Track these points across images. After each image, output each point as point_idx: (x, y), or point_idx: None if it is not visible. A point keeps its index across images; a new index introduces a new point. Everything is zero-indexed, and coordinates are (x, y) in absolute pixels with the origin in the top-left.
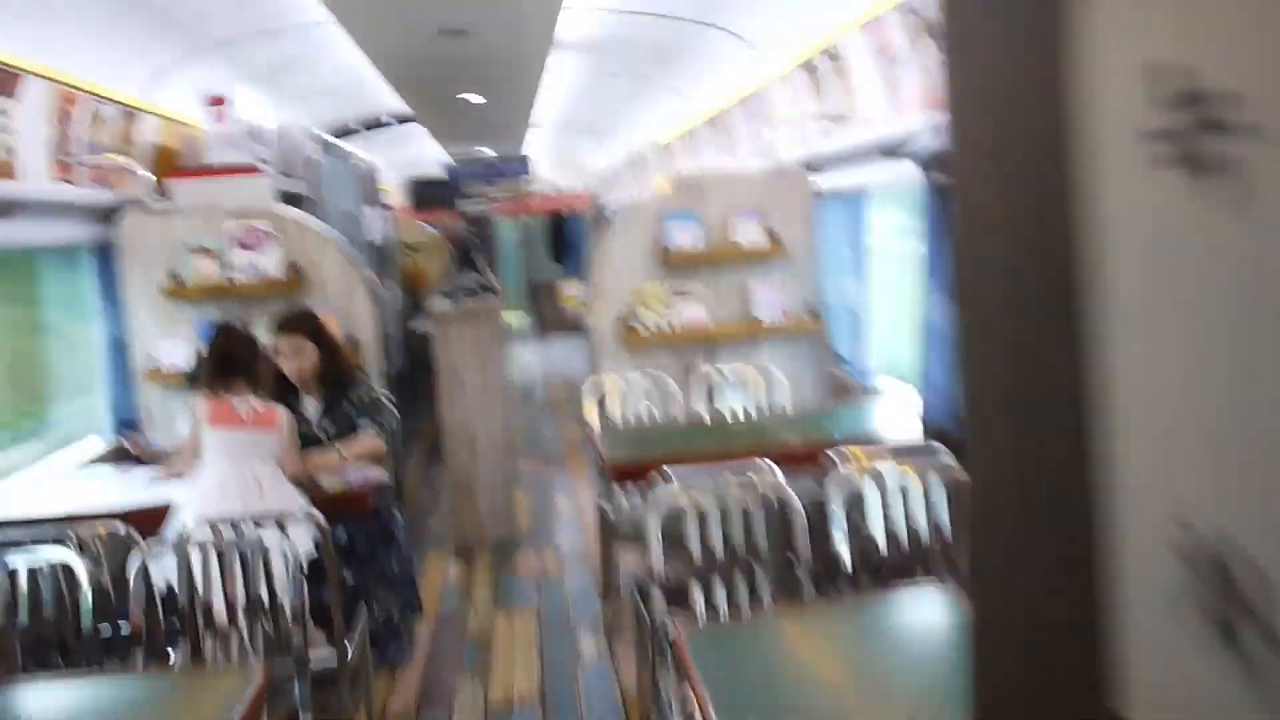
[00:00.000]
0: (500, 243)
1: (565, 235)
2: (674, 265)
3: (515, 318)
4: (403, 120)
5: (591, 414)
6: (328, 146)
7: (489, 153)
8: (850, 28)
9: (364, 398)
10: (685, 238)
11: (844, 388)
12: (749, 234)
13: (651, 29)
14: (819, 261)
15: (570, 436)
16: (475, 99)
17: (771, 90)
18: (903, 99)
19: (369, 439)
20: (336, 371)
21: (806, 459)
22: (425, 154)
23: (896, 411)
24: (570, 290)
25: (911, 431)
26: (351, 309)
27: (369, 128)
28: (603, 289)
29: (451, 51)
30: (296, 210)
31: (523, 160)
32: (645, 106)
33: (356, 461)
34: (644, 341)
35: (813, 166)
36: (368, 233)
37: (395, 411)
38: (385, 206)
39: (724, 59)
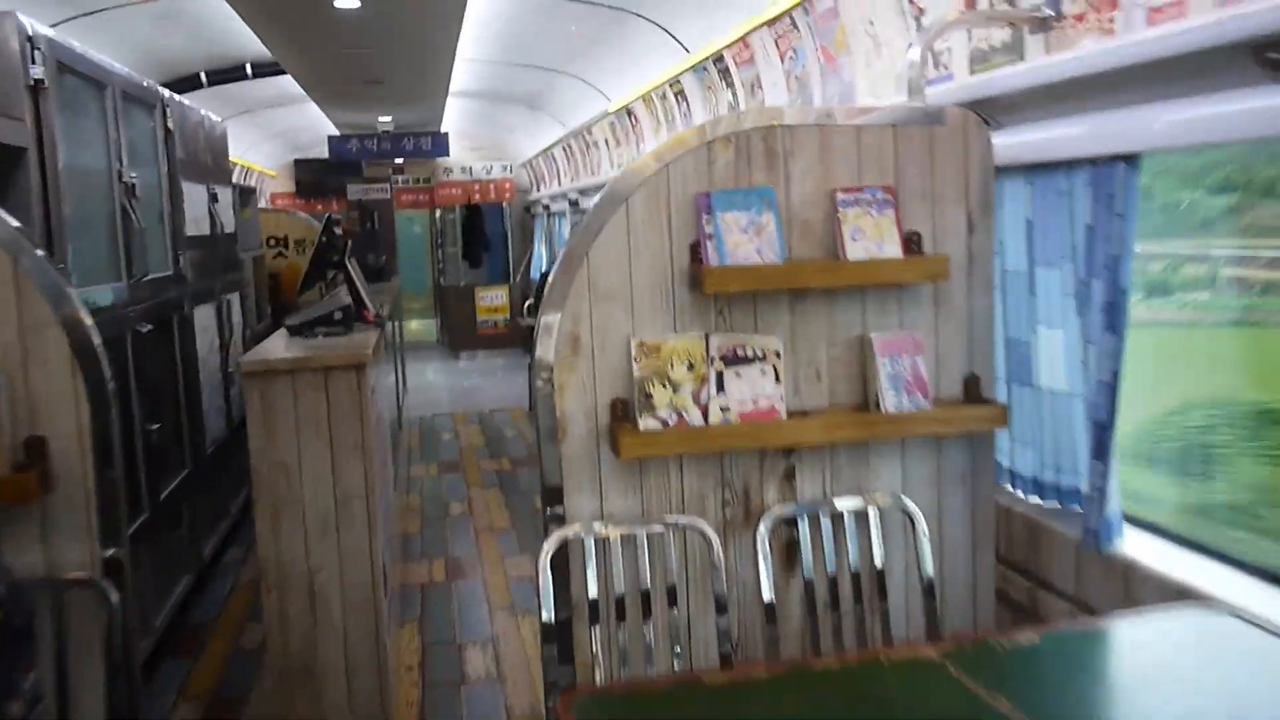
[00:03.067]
0: (402, 238)
1: (484, 231)
2: (720, 297)
3: (420, 328)
4: (270, 73)
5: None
6: (79, 64)
7: (390, 125)
8: None
9: None
10: (744, 244)
11: (1048, 549)
12: (869, 236)
13: None
14: (1001, 292)
15: (492, 521)
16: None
17: None
18: None
19: None
20: None
21: None
22: (321, 127)
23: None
24: (489, 297)
25: None
26: (28, 377)
27: (222, 78)
28: (572, 339)
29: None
30: None
31: (439, 138)
32: (607, 54)
33: None
34: (655, 446)
35: (996, 107)
36: (195, 221)
37: None
38: (243, 188)
39: None
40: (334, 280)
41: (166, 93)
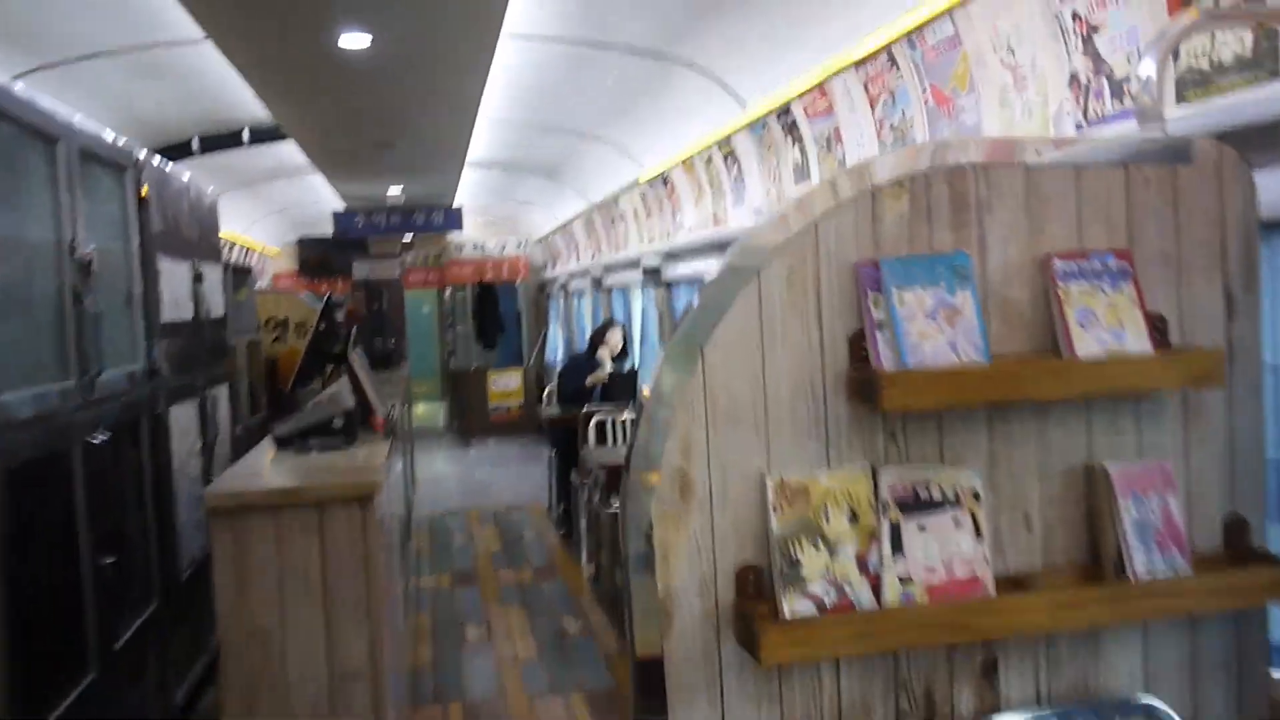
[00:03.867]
0: (410, 318)
1: (497, 311)
2: (892, 414)
3: (427, 413)
4: (270, 138)
5: None
6: (19, 111)
7: (399, 197)
8: None
9: None
10: (932, 335)
11: None
12: (1102, 323)
13: None
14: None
15: (516, 650)
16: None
17: None
18: None
19: None
20: None
21: None
22: (326, 202)
23: None
24: (502, 381)
25: None
26: None
27: (216, 144)
28: (680, 480)
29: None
30: None
31: (451, 212)
32: (644, 111)
33: None
34: (812, 644)
35: (1248, 143)
36: (175, 304)
37: None
38: (238, 267)
39: None
40: (332, 374)
41: (142, 153)
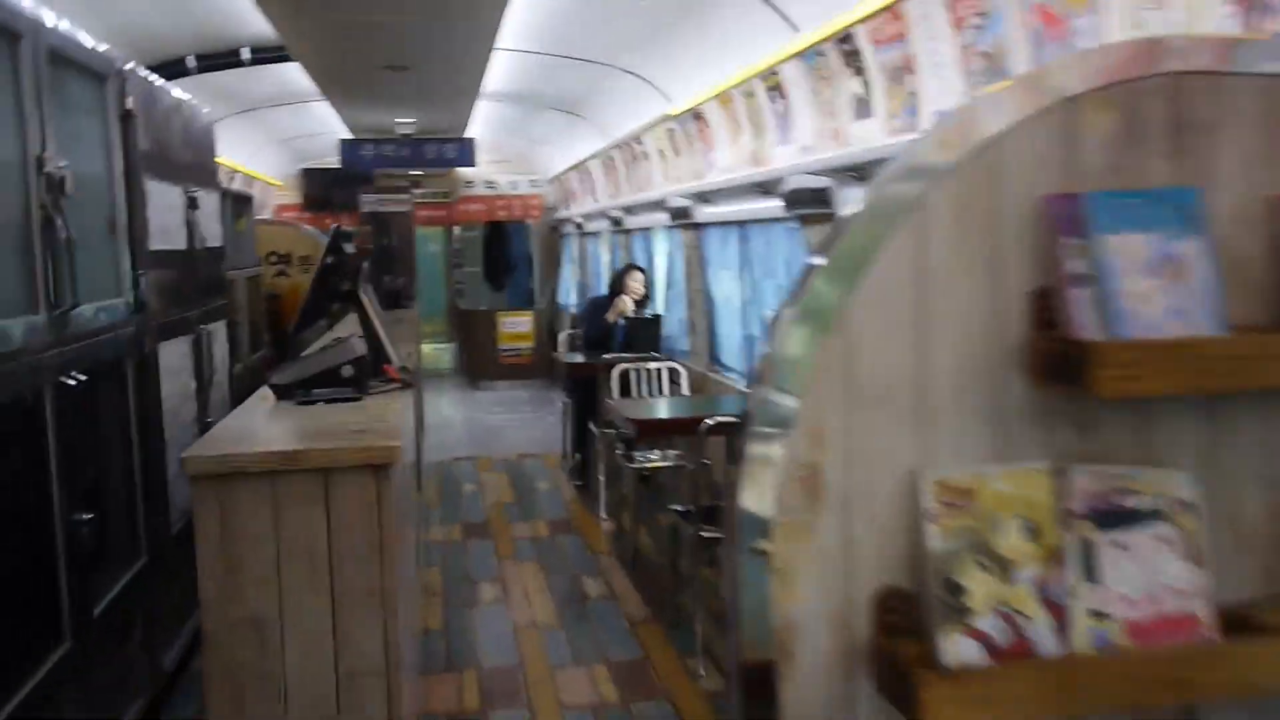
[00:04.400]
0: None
1: (508, 252)
2: (1118, 396)
3: (434, 354)
4: (273, 58)
5: None
6: None
7: (410, 127)
8: None
9: None
10: (1154, 295)
11: None
12: None
13: None
14: None
15: (534, 614)
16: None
17: None
18: None
19: None
20: None
21: None
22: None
23: None
24: (512, 323)
25: None
26: None
27: (214, 64)
28: (808, 477)
29: None
30: None
31: (464, 145)
32: (680, 40)
33: None
34: (983, 707)
35: None
36: (164, 233)
37: None
38: (237, 194)
39: None
40: (340, 315)
41: (127, 63)
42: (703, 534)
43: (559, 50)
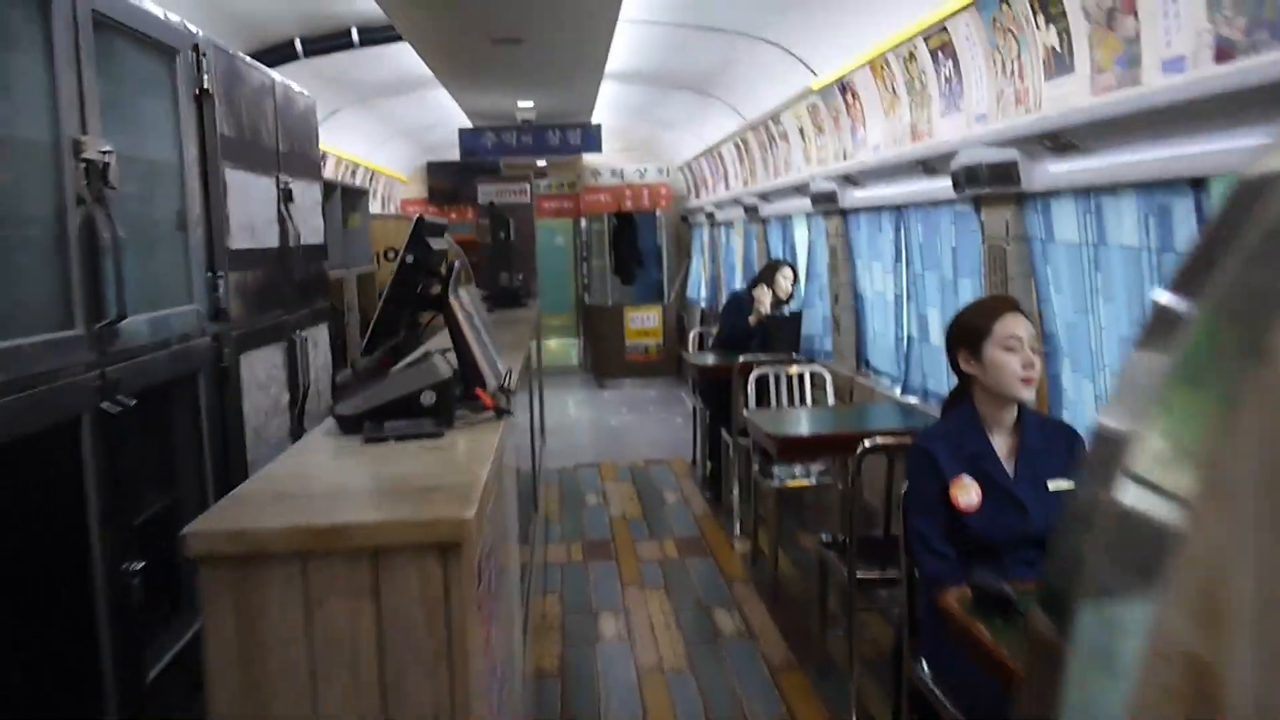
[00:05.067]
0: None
1: (636, 244)
2: None
3: (560, 349)
4: (383, 38)
5: None
6: None
7: (531, 113)
8: None
9: None
10: None
11: None
12: None
13: None
14: None
15: (662, 656)
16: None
17: None
18: None
19: None
20: None
21: None
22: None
23: None
24: (640, 319)
25: None
26: None
27: (322, 47)
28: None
29: None
30: None
31: (589, 131)
32: (817, 10)
33: None
34: None
35: None
36: (250, 229)
37: None
38: (346, 187)
39: None
40: (427, 326)
41: (199, 33)
42: (858, 575)
43: (688, 20)
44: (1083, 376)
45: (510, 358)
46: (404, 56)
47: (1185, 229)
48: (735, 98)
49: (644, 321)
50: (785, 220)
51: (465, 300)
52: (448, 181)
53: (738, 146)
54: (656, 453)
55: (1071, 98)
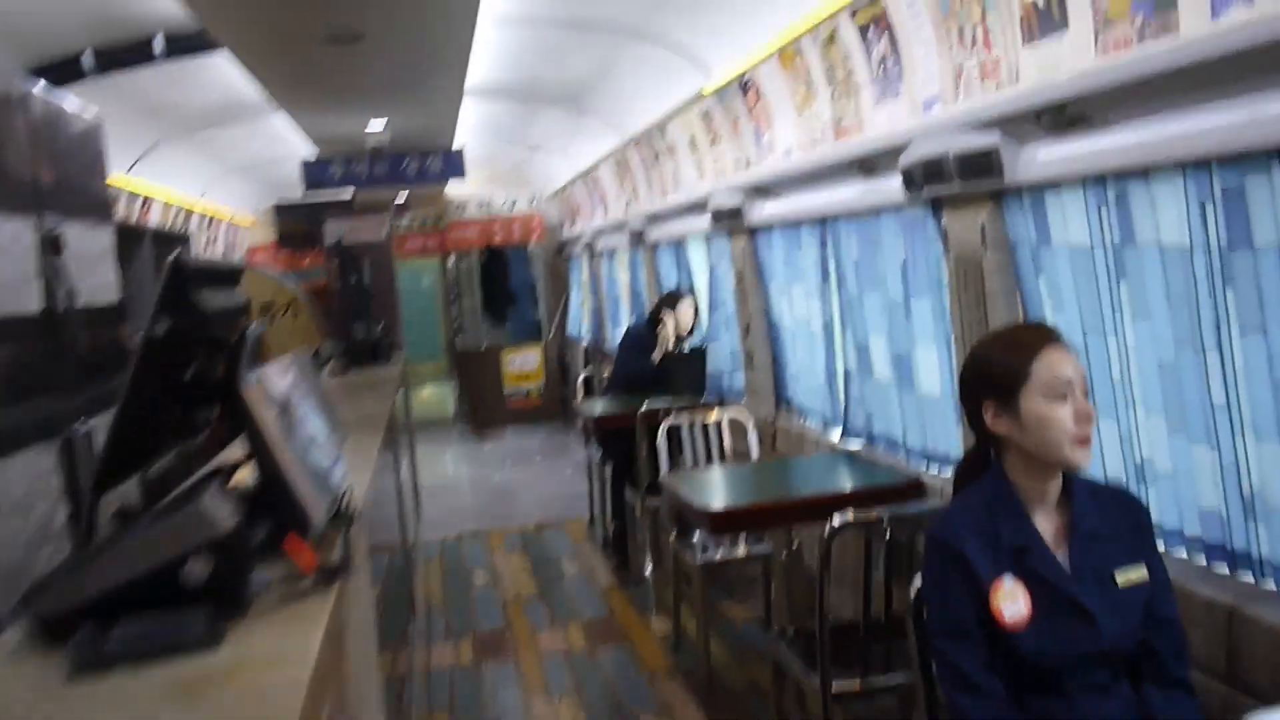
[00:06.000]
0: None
1: (508, 280)
2: None
3: (433, 399)
4: (193, 47)
5: None
6: None
7: (383, 137)
8: None
9: None
10: None
11: None
12: None
13: None
14: None
15: None
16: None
17: None
18: None
19: None
20: None
21: None
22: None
23: None
24: (518, 361)
25: None
26: None
27: (118, 60)
28: None
29: None
30: None
31: (451, 157)
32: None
33: None
34: None
35: None
36: None
37: None
38: (159, 234)
39: None
40: (211, 435)
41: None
42: (834, 686)
43: (558, 14)
44: (1101, 415)
45: (362, 444)
46: (231, 74)
47: (1268, 216)
48: (613, 110)
49: (523, 363)
50: (678, 244)
51: (277, 381)
52: (300, 223)
53: (617, 166)
54: (549, 512)
55: (1066, 62)
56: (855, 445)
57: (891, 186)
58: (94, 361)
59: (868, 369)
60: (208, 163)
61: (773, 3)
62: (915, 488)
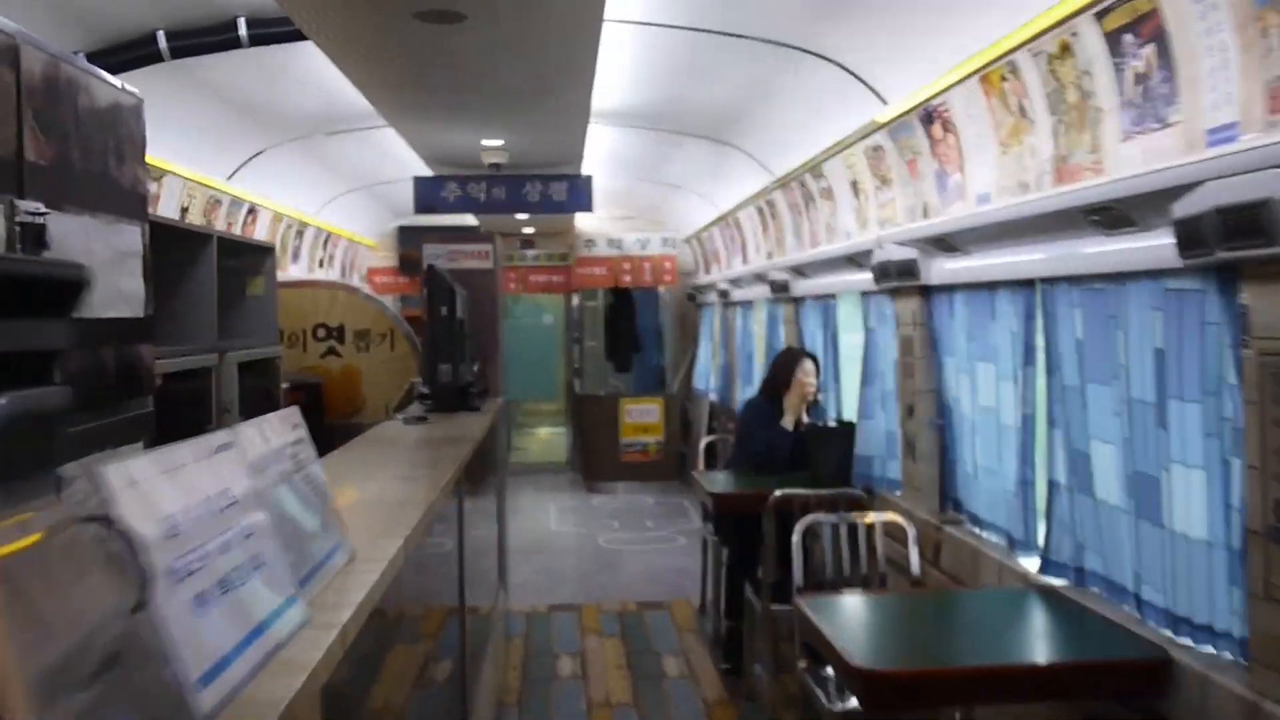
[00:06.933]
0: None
1: (634, 325)
2: None
3: (548, 443)
4: (279, 35)
5: None
6: None
7: (501, 154)
8: None
9: None
10: None
11: None
12: None
13: None
14: None
15: None
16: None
17: None
18: None
19: None
20: None
21: None
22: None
23: None
24: (638, 412)
25: None
26: None
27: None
28: None
29: None
30: None
31: (577, 183)
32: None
33: None
34: None
35: None
36: None
37: None
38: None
39: None
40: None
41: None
42: None
43: (707, 22)
44: None
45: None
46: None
47: None
48: (763, 143)
49: (643, 415)
50: (830, 300)
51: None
52: (418, 248)
53: (762, 210)
54: (654, 589)
55: None
56: (1058, 581)
57: (1147, 245)
58: (107, 388)
59: (1086, 485)
60: (315, 175)
61: (983, 6)
62: (1160, 670)
